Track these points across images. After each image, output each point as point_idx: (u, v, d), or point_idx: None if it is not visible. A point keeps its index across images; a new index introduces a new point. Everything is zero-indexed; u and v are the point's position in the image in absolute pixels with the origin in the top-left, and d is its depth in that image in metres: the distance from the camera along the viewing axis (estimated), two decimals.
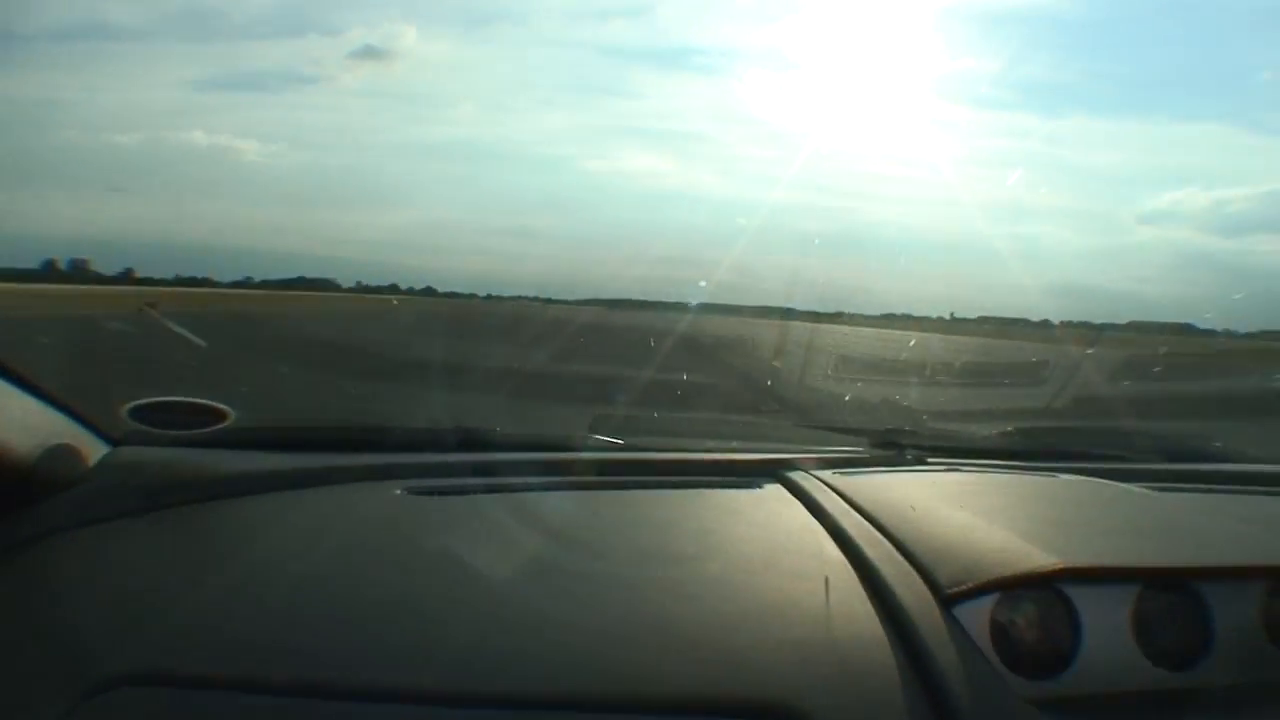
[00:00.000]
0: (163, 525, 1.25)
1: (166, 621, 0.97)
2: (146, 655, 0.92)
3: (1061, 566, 1.03)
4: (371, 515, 1.30)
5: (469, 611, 1.01)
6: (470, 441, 1.59)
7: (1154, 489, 1.53)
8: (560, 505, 1.38)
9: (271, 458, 1.44)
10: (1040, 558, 1.05)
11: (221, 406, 1.52)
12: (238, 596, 1.03)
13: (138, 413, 1.43)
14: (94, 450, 1.35)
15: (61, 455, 1.26)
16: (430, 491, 1.37)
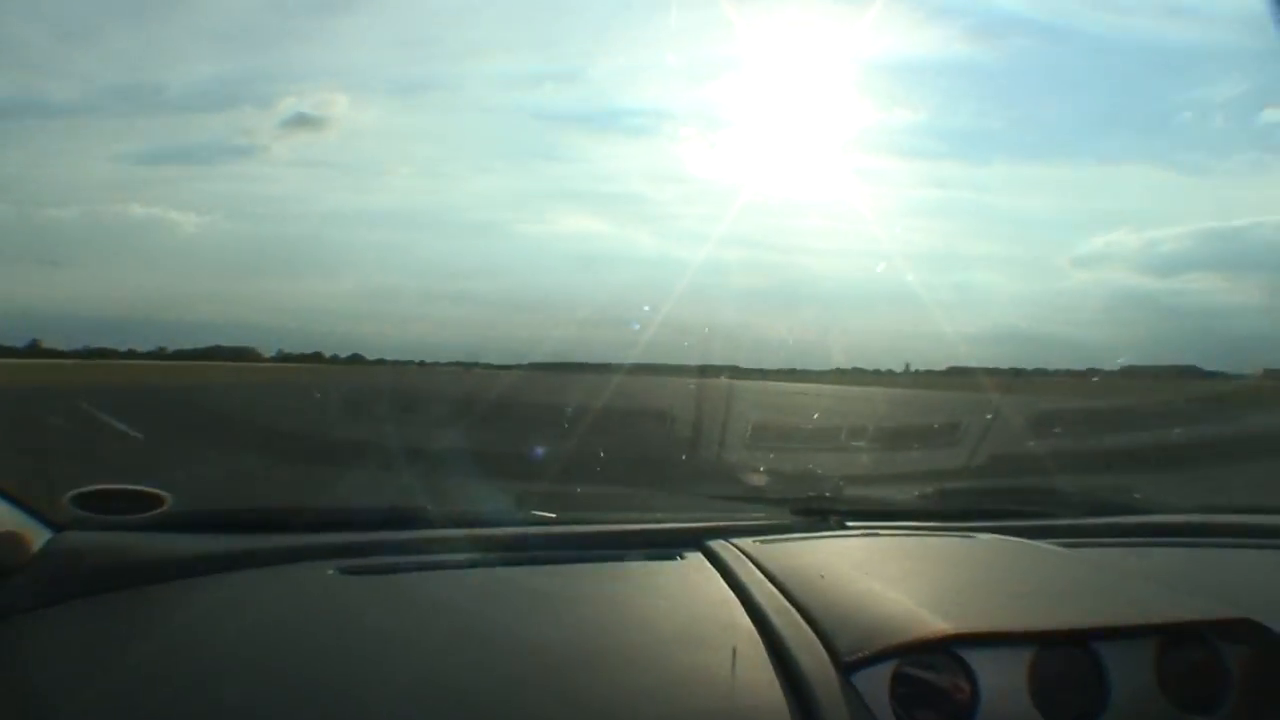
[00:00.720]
0: (103, 609, 1.27)
1: (107, 698, 1.01)
2: None
3: (952, 632, 1.07)
4: (304, 595, 1.33)
5: (393, 687, 1.04)
6: (398, 519, 1.63)
7: (1066, 544, 1.58)
8: (484, 582, 1.42)
9: (208, 540, 1.46)
10: (933, 624, 1.09)
11: (159, 492, 1.55)
12: (175, 678, 1.06)
13: (79, 500, 1.47)
14: (37, 536, 1.37)
15: (5, 542, 1.29)
16: (360, 570, 1.40)
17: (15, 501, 1.36)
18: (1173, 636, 1.14)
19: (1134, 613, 1.20)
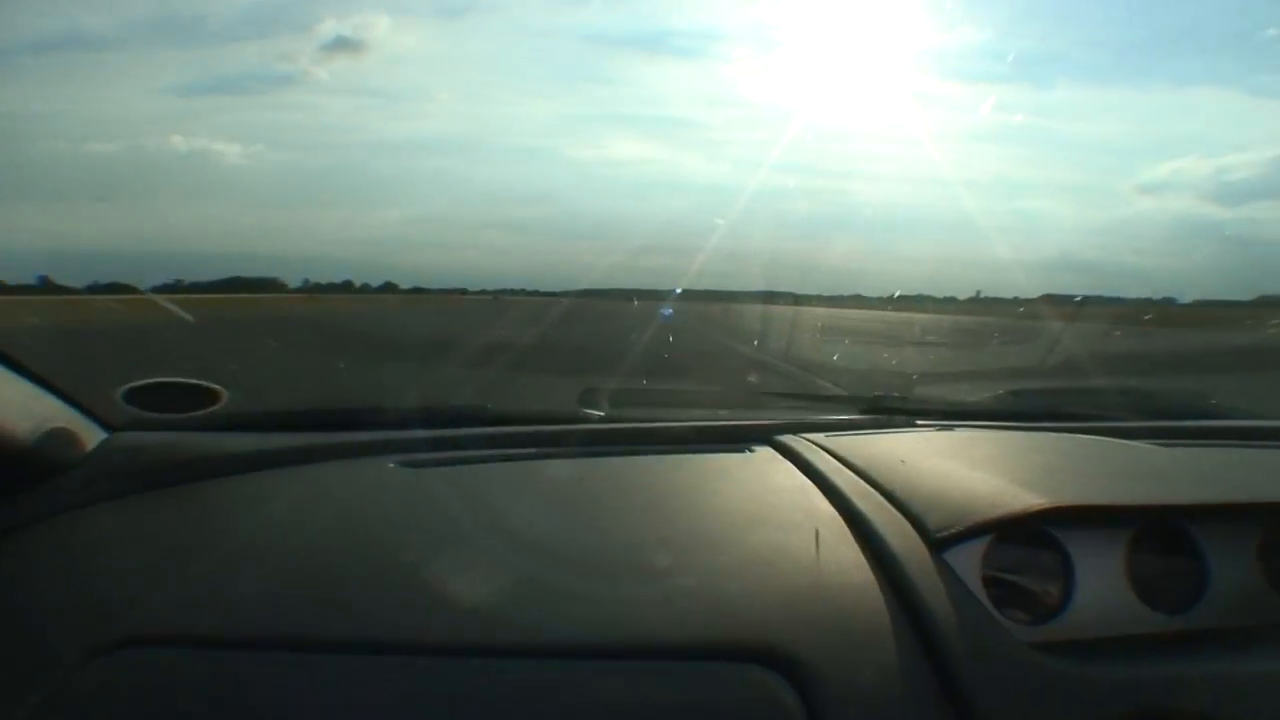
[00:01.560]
0: (162, 503, 1.26)
1: (167, 591, 0.99)
2: (153, 619, 0.94)
3: (1047, 506, 1.02)
4: (365, 488, 1.31)
5: (466, 573, 1.02)
6: (461, 418, 1.60)
7: (1149, 444, 1.51)
8: (551, 472, 1.39)
9: (266, 438, 1.45)
10: (1027, 499, 1.04)
11: (215, 387, 1.52)
12: (237, 566, 1.05)
13: (132, 396, 1.44)
14: (91, 435, 1.35)
15: (59, 439, 1.27)
16: (421, 464, 1.37)
17: (68, 398, 1.34)
18: (1274, 522, 1.07)
19: (1238, 492, 1.13)
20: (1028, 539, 1.03)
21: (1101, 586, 1.00)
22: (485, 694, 0.86)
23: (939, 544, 1.02)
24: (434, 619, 0.93)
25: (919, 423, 1.69)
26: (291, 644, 0.90)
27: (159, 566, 1.07)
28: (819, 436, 1.49)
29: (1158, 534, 1.05)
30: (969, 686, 0.86)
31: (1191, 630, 1.00)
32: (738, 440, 1.54)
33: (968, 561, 1.00)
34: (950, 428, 1.64)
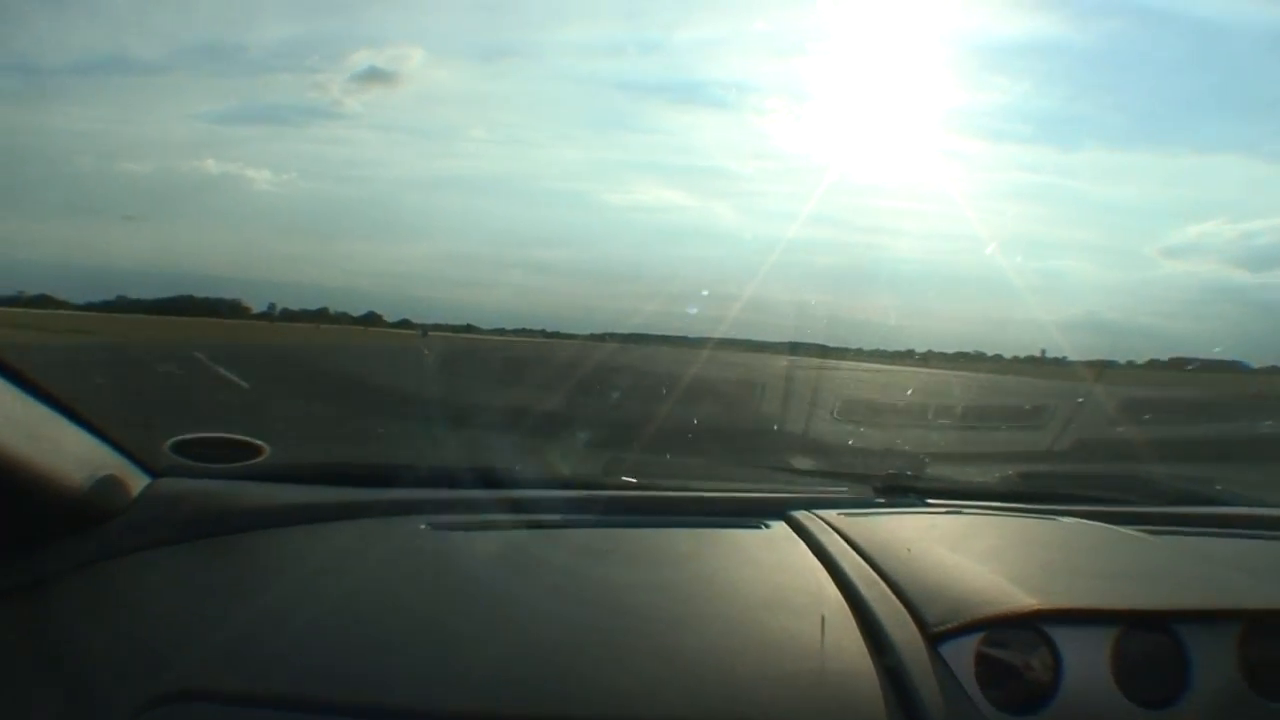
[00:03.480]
0: (202, 554, 1.30)
1: (208, 643, 1.02)
2: (191, 674, 0.97)
3: (1040, 608, 1.06)
4: (397, 547, 1.35)
5: (488, 638, 1.06)
6: (490, 479, 1.63)
7: (1150, 532, 1.55)
8: (576, 540, 1.42)
9: (303, 491, 1.49)
10: (1022, 599, 1.08)
11: (257, 442, 1.57)
12: (273, 621, 1.08)
13: (179, 447, 1.48)
14: (137, 482, 1.39)
15: (109, 486, 1.30)
16: (452, 526, 1.41)
17: (117, 446, 1.38)
18: (1259, 624, 1.11)
19: (1221, 597, 1.17)
20: (1019, 634, 1.06)
21: (1087, 680, 1.04)
22: None
23: (936, 637, 1.06)
24: (454, 687, 0.97)
25: (930, 502, 1.72)
26: (323, 706, 0.94)
27: (200, 619, 1.10)
28: (832, 514, 1.52)
29: (1144, 631, 1.08)
30: None
31: None
32: (755, 513, 1.57)
33: (962, 654, 1.04)
34: (959, 510, 1.67)
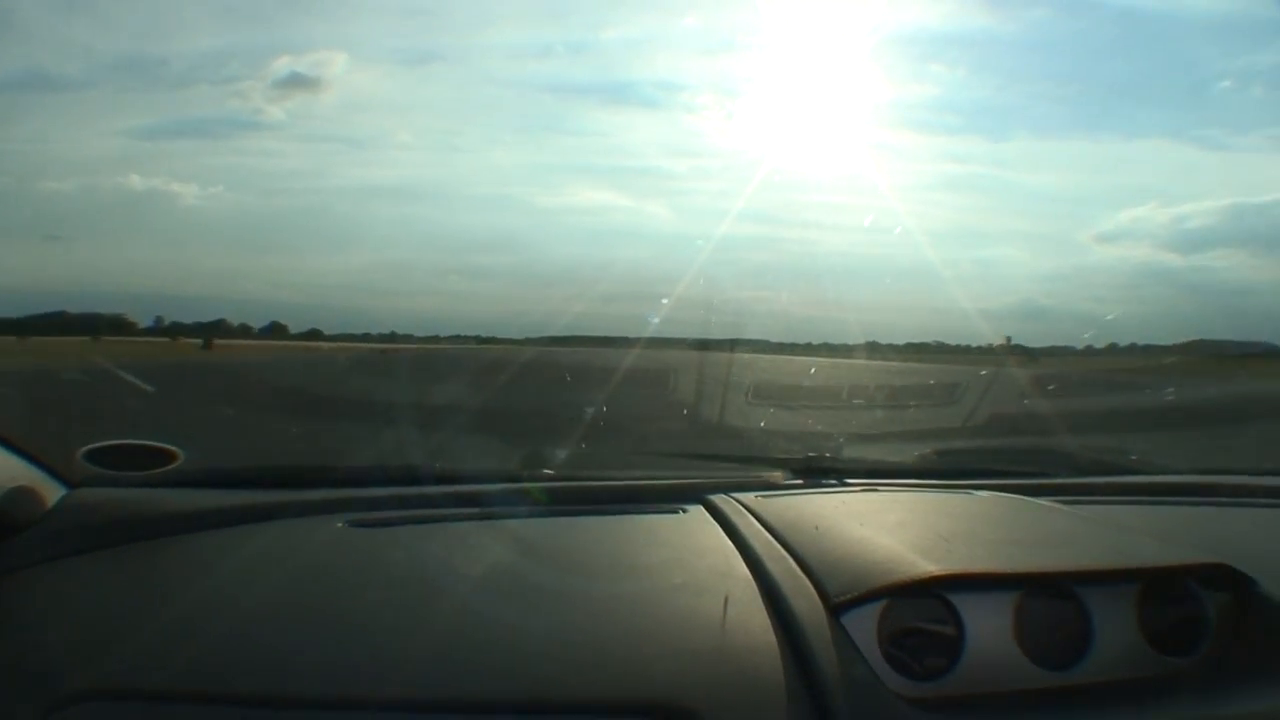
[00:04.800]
0: (120, 560, 1.29)
1: (125, 645, 1.02)
2: (107, 674, 0.97)
3: (937, 573, 1.09)
4: (315, 547, 1.34)
5: (405, 629, 1.07)
6: (407, 477, 1.63)
7: (1062, 502, 1.58)
8: (493, 532, 1.42)
9: (219, 495, 1.47)
10: (920, 566, 1.10)
11: (171, 448, 1.56)
12: (193, 623, 1.08)
13: (93, 456, 1.48)
14: (52, 492, 1.38)
15: (20, 498, 1.29)
16: (369, 524, 1.41)
17: (30, 457, 1.36)
18: (1154, 582, 1.15)
19: (1117, 558, 1.20)
20: (921, 601, 1.09)
21: (991, 644, 1.06)
22: None
23: (837, 608, 1.08)
24: (373, 677, 0.98)
25: (848, 482, 1.72)
26: (240, 699, 0.95)
27: (115, 624, 1.09)
28: (749, 497, 1.53)
29: (1047, 594, 1.11)
30: None
31: (1074, 685, 1.06)
32: (674, 499, 1.57)
33: (864, 623, 1.06)
34: (874, 488, 1.67)
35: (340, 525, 1.39)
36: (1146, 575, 1.16)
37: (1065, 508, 1.53)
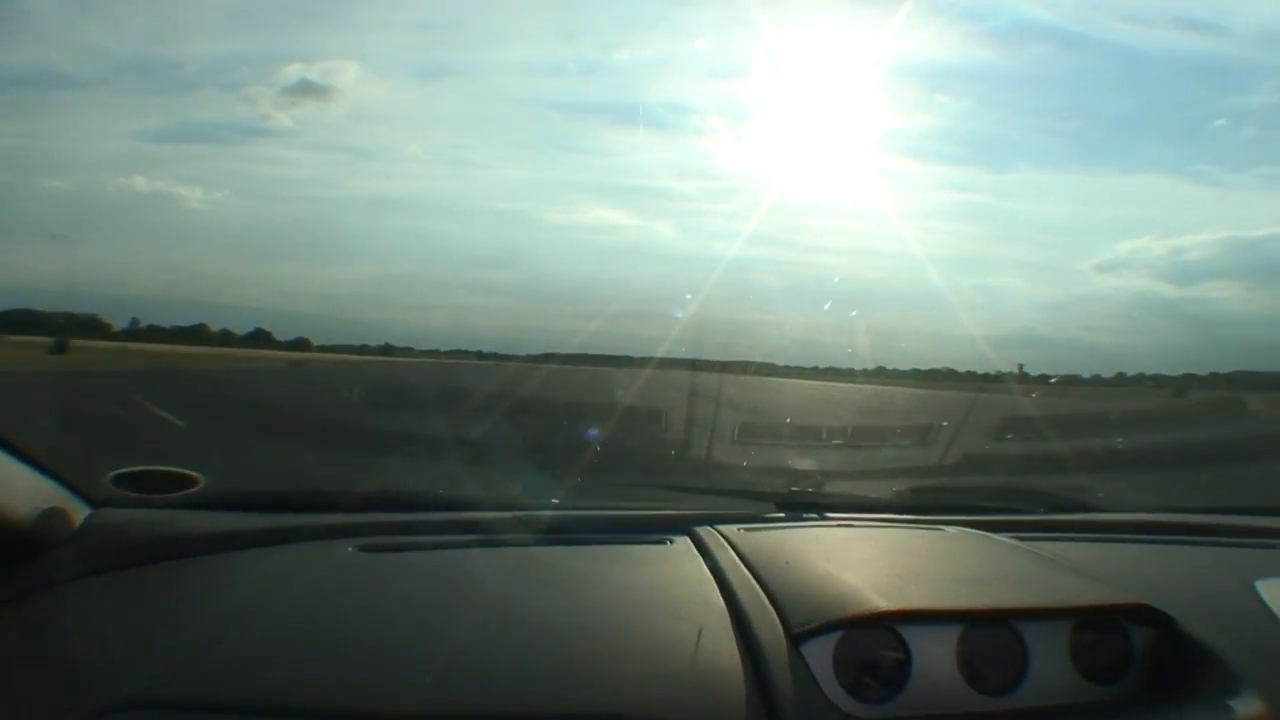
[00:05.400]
0: (144, 580, 1.37)
1: (152, 659, 1.12)
2: (136, 686, 1.06)
3: (886, 609, 1.21)
4: (328, 570, 1.43)
5: (410, 648, 1.17)
6: (413, 503, 1.74)
7: (1023, 538, 1.69)
8: (487, 559, 1.52)
9: (236, 518, 1.57)
10: (873, 602, 1.23)
11: (192, 473, 1.65)
12: (213, 640, 1.17)
13: (119, 480, 1.57)
14: (79, 513, 1.46)
15: (52, 518, 1.38)
16: (376, 549, 1.50)
17: (60, 479, 1.45)
18: (1085, 618, 1.27)
19: (1052, 597, 1.33)
20: (874, 633, 1.20)
21: (936, 672, 1.18)
22: None
23: (797, 637, 1.19)
24: (380, 691, 1.08)
25: (829, 516, 1.83)
26: (259, 709, 1.04)
27: (142, 640, 1.19)
28: (732, 529, 1.63)
29: (988, 628, 1.23)
30: None
31: (1010, 709, 1.19)
32: (663, 529, 1.67)
33: (821, 651, 1.18)
34: (850, 524, 1.78)
35: (351, 550, 1.48)
36: (1078, 613, 1.28)
37: (1022, 545, 1.64)
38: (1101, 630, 1.28)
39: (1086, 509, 2.09)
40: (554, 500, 1.84)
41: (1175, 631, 1.29)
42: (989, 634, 1.23)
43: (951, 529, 1.73)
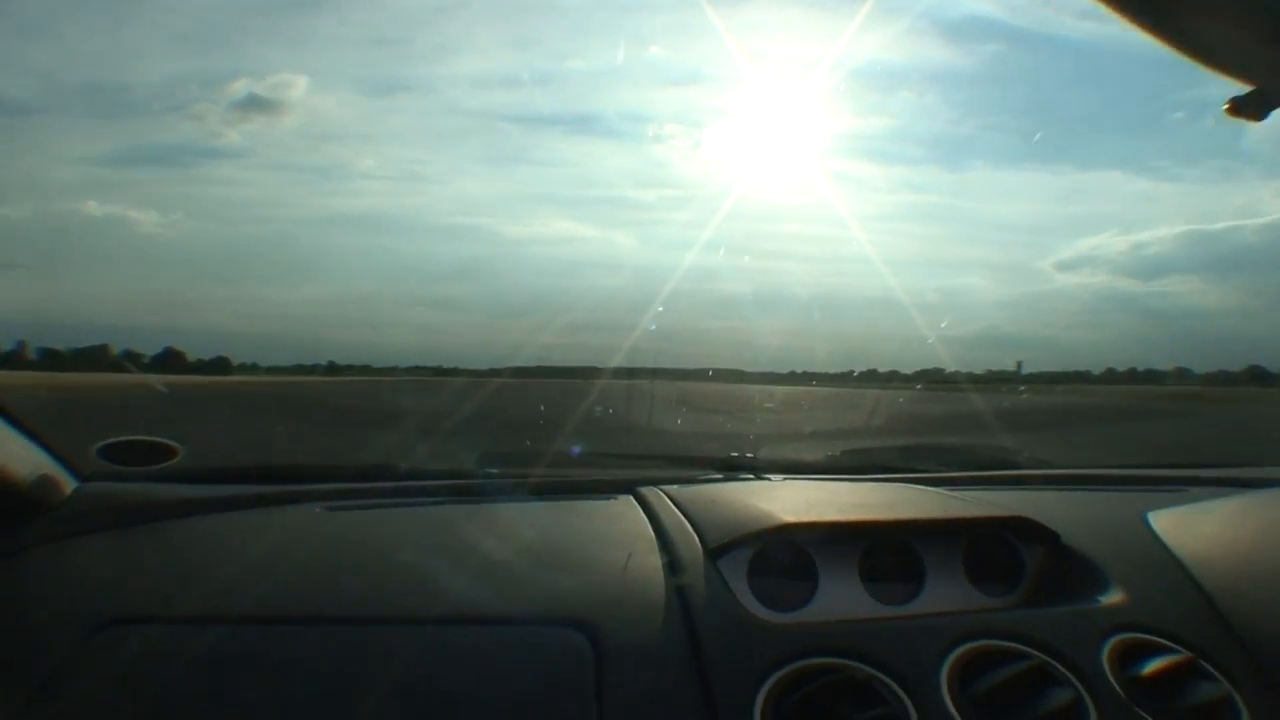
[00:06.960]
0: (134, 535, 1.50)
1: (145, 587, 1.29)
2: (130, 605, 1.23)
3: (788, 521, 1.37)
4: (297, 528, 1.56)
5: (369, 598, 1.30)
6: (377, 472, 1.86)
7: (948, 491, 1.78)
8: (444, 516, 1.64)
9: (215, 488, 1.68)
10: (779, 518, 1.38)
11: (172, 443, 1.76)
12: (198, 570, 1.35)
13: (104, 450, 1.67)
14: (68, 483, 1.57)
15: (47, 483, 1.50)
16: (343, 509, 1.62)
17: (50, 450, 1.55)
18: (976, 534, 1.43)
19: (942, 514, 1.48)
20: (784, 548, 1.37)
21: (840, 585, 1.35)
22: (390, 643, 1.18)
23: (713, 552, 1.34)
24: (347, 603, 1.26)
25: (765, 476, 1.91)
26: (242, 619, 1.20)
27: (131, 576, 1.34)
28: (672, 488, 1.73)
29: (888, 546, 1.39)
30: (705, 639, 1.18)
31: (908, 615, 1.33)
32: (606, 491, 1.78)
33: (736, 565, 1.34)
34: (785, 481, 1.86)
35: (318, 510, 1.60)
36: (966, 524, 1.44)
37: (925, 488, 1.76)
38: (994, 547, 1.43)
39: (1009, 466, 2.20)
40: (505, 468, 1.94)
41: (1062, 547, 1.43)
42: (888, 551, 1.39)
43: (883, 484, 1.82)
